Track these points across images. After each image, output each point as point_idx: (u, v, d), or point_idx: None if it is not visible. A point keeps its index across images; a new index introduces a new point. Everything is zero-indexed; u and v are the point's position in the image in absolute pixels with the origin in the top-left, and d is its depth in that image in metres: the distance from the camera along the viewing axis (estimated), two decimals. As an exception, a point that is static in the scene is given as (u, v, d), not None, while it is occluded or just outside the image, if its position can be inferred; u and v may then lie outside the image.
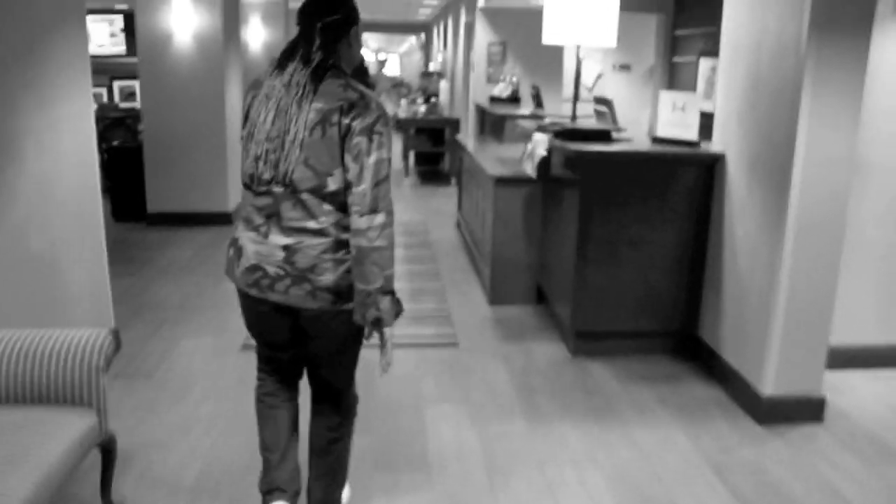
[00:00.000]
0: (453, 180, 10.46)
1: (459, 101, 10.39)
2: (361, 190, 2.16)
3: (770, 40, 3.62)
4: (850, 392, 4.05)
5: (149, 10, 7.34)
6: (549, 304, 5.13)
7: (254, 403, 2.68)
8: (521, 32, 8.65)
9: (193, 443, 3.39)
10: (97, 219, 4.13)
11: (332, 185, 2.20)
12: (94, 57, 12.13)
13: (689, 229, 4.31)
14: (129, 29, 10.28)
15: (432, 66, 15.81)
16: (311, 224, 2.22)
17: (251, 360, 2.83)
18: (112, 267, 4.31)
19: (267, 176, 2.23)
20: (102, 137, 9.23)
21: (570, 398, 3.92)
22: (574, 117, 4.89)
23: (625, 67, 9.82)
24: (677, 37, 7.47)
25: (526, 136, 6.00)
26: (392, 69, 26.47)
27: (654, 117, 8.23)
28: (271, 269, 2.26)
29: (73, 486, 2.96)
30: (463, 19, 10.20)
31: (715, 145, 4.22)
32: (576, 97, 4.87)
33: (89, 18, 11.65)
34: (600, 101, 5.71)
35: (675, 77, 7.68)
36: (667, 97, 4.41)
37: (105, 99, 12.31)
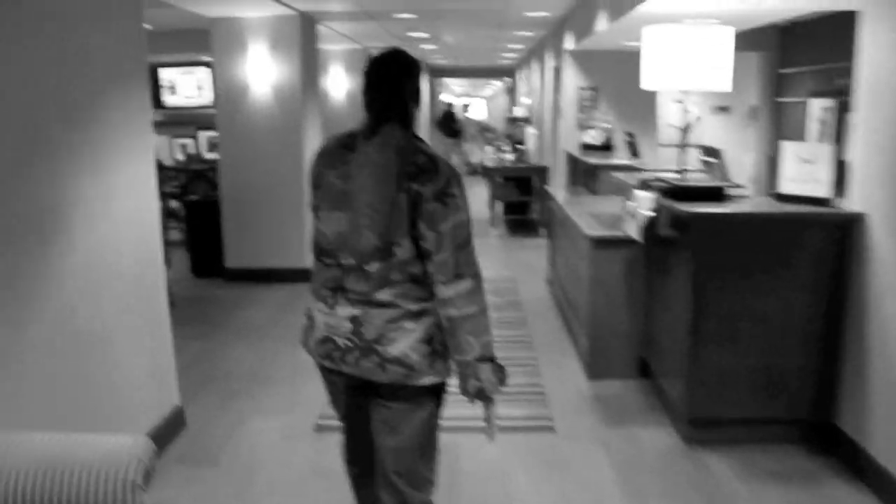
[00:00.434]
0: (543, 231, 10.01)
1: (548, 149, 10.04)
2: (442, 258, 2.10)
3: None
4: None
5: (226, 61, 7.21)
6: (654, 379, 4.59)
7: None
8: (612, 76, 8.25)
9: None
10: (159, 291, 3.82)
11: (400, 254, 2.12)
12: (181, 109, 12.30)
13: (822, 301, 3.73)
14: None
15: (518, 111, 15.47)
16: (377, 296, 2.15)
17: (323, 444, 2.50)
18: (185, 328, 4.02)
19: (333, 248, 2.19)
20: (184, 190, 9.21)
21: (686, 502, 3.35)
22: (681, 171, 4.37)
23: (723, 109, 9.27)
24: (782, 75, 6.98)
25: (622, 190, 5.52)
26: (477, 113, 26.29)
27: (759, 163, 7.65)
28: (340, 342, 2.21)
29: None
30: (549, 63, 9.85)
31: (852, 203, 3.65)
32: (684, 148, 4.35)
33: (177, 71, 11.85)
34: (707, 150, 5.18)
35: (781, 119, 7.13)
36: (791, 148, 3.86)
37: (193, 150, 12.43)
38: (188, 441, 3.96)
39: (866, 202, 3.54)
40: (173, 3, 6.49)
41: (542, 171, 10.15)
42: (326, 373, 2.33)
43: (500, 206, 10.87)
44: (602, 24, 5.78)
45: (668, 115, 9.34)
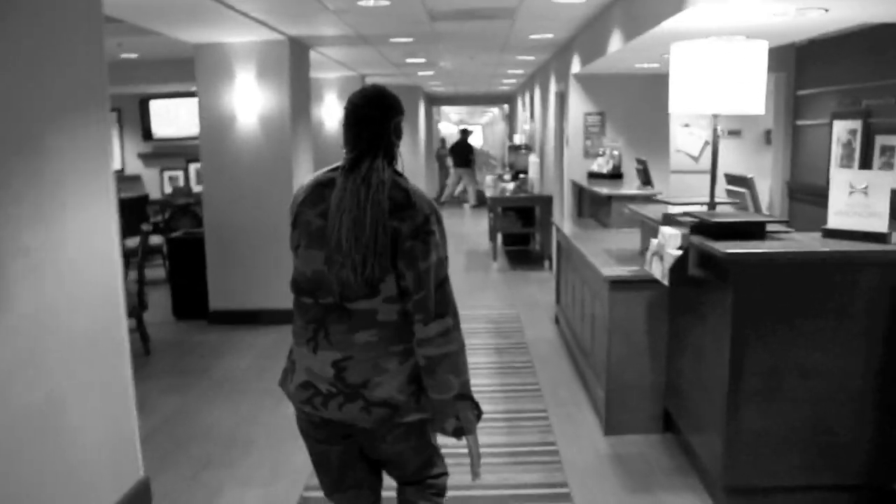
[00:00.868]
0: (546, 263, 9.62)
1: (551, 177, 9.68)
2: (422, 297, 2.09)
3: None
4: None
5: (211, 89, 6.81)
6: (681, 434, 4.11)
7: None
8: (620, 100, 7.90)
9: None
10: (120, 349, 3.36)
11: (385, 291, 2.10)
12: (172, 140, 12.03)
13: (880, 353, 3.26)
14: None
15: (518, 139, 15.10)
16: (361, 336, 2.13)
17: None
18: (160, 380, 3.62)
19: (312, 286, 2.16)
20: (168, 226, 8.80)
21: None
22: (712, 204, 3.92)
23: (734, 133, 8.91)
24: (800, 97, 6.57)
25: (636, 222, 5.11)
26: (475, 141, 25.95)
27: (775, 190, 7.23)
28: (323, 387, 2.17)
29: None
30: (553, 88, 9.50)
31: (913, 240, 3.20)
32: (713, 178, 3.90)
33: (168, 102, 11.52)
34: (733, 178, 4.75)
35: (798, 142, 6.76)
36: (842, 177, 3.41)
37: (181, 182, 12.07)
38: (154, 519, 3.47)
39: (931, 239, 3.09)
40: (156, 30, 6.16)
41: (545, 202, 9.82)
42: (305, 421, 2.26)
43: (499, 238, 10.51)
44: (615, 44, 5.42)
45: (679, 141, 9.01)
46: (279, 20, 6.06)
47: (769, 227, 3.61)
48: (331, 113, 10.85)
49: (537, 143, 11.63)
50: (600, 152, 7.81)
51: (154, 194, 11.83)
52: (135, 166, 12.16)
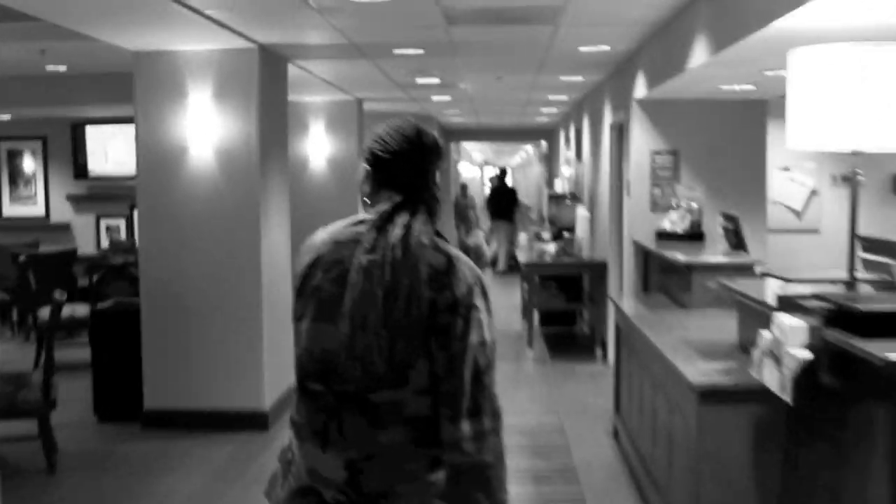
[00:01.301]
0: (599, 352, 9.50)
1: (605, 237, 9.72)
2: (452, 387, 2.14)
3: None
4: None
5: (153, 113, 6.77)
6: None
7: None
8: (700, 135, 7.80)
9: None
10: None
11: (416, 380, 2.15)
12: (112, 179, 11.95)
13: None
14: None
15: (559, 185, 14.99)
16: (386, 435, 2.17)
17: None
18: None
19: (321, 369, 2.22)
20: (96, 293, 8.58)
21: None
22: (852, 281, 3.54)
23: (847, 180, 8.62)
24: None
25: (728, 301, 4.90)
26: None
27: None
28: (328, 494, 2.20)
29: None
30: (608, 119, 9.43)
31: None
32: (852, 245, 3.52)
33: (108, 129, 11.38)
34: (871, 244, 4.38)
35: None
36: None
37: (122, 232, 11.90)
38: None
39: None
40: (83, 31, 6.09)
41: (597, 269, 9.75)
42: None
43: (537, 317, 10.50)
44: (699, 56, 5.22)
45: (776, 190, 8.74)
46: (246, 22, 6.01)
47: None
48: (318, 148, 10.84)
49: (586, 191, 11.71)
50: (673, 205, 7.68)
51: (87, 248, 11.84)
52: (62, 212, 12.12)
